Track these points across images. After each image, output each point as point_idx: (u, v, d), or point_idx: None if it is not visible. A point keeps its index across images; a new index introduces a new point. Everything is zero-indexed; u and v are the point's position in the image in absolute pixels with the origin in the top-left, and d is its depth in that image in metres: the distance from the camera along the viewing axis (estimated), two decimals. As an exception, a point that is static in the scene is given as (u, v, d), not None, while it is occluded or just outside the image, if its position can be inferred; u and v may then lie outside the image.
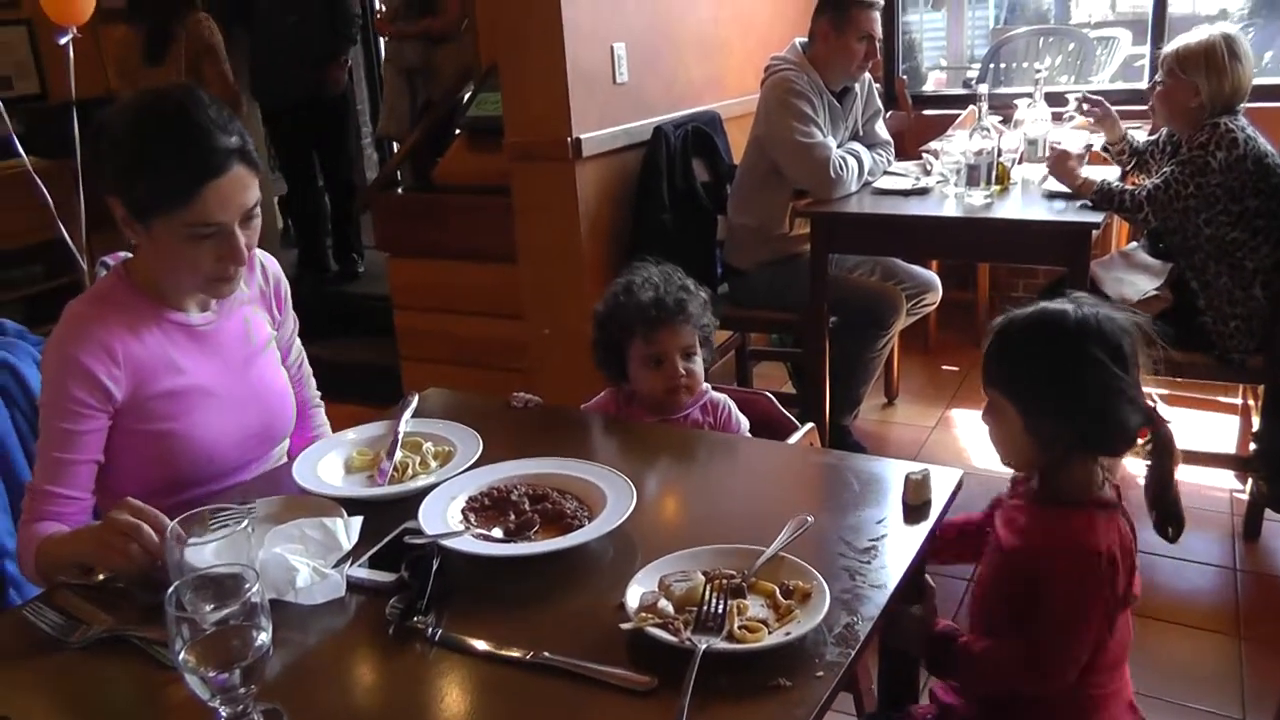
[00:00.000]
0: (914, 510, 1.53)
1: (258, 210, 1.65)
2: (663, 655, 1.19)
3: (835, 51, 3.45)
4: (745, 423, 2.07)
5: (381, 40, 5.67)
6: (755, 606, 1.28)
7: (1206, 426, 3.77)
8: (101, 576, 1.45)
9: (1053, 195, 3.19)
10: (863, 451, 3.45)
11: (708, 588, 1.28)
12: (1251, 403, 3.41)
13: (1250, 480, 3.15)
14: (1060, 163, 3.13)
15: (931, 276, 3.81)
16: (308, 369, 2.04)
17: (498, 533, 1.49)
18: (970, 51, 6.58)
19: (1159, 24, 4.46)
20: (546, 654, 1.22)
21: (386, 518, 1.53)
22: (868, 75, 3.67)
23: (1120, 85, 5.09)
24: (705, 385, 2.05)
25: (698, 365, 2.02)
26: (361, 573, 1.41)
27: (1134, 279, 3.19)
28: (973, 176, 3.18)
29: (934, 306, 3.89)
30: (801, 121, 3.38)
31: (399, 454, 1.73)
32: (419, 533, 1.45)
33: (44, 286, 5.31)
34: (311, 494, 1.61)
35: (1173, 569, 2.97)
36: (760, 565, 1.35)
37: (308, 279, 5.43)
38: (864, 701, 1.96)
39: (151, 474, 1.69)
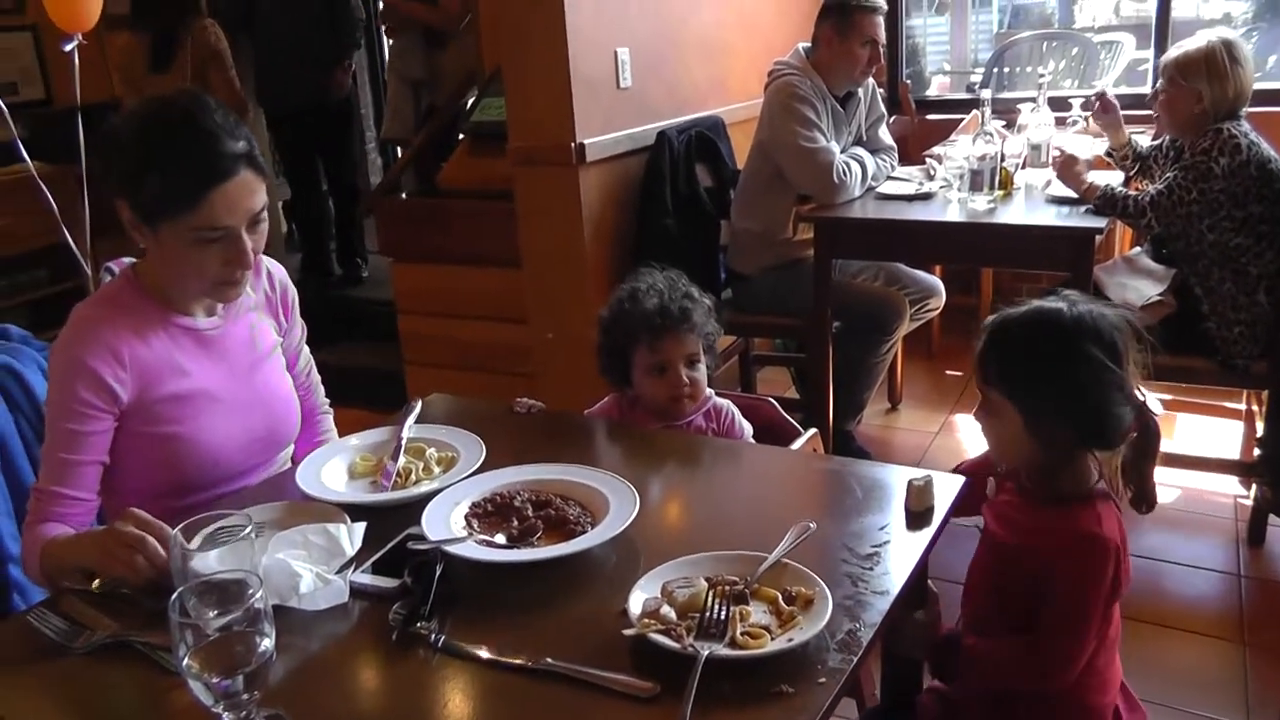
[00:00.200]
0: (917, 516, 1.53)
1: (264, 215, 1.66)
2: (665, 661, 1.19)
3: (839, 57, 3.45)
4: (748, 428, 2.07)
5: (386, 45, 5.67)
6: (758, 613, 1.28)
7: (1210, 432, 3.76)
8: (97, 584, 1.45)
9: (1056, 200, 3.19)
10: (866, 457, 3.45)
11: (710, 594, 1.28)
12: (1255, 408, 3.41)
13: (1254, 486, 3.14)
14: (1067, 167, 3.13)
15: (935, 282, 3.81)
16: (316, 377, 2.05)
17: (501, 539, 1.49)
18: (974, 56, 6.59)
19: (1162, 28, 4.46)
20: (549, 660, 1.22)
21: (390, 523, 1.53)
22: (871, 80, 3.67)
23: (1124, 90, 5.08)
24: (708, 391, 2.06)
25: (701, 373, 2.02)
26: (364, 578, 1.42)
27: (1137, 284, 3.18)
28: (976, 181, 3.18)
29: (937, 312, 3.88)
30: (805, 126, 3.38)
31: (402, 460, 1.73)
32: (422, 538, 1.45)
33: (48, 291, 5.32)
34: (315, 500, 1.61)
35: (1177, 574, 2.96)
36: (763, 571, 1.35)
37: (312, 283, 5.44)
38: (866, 706, 1.96)
39: (156, 477, 1.70)
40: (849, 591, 1.33)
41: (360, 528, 1.49)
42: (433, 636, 1.28)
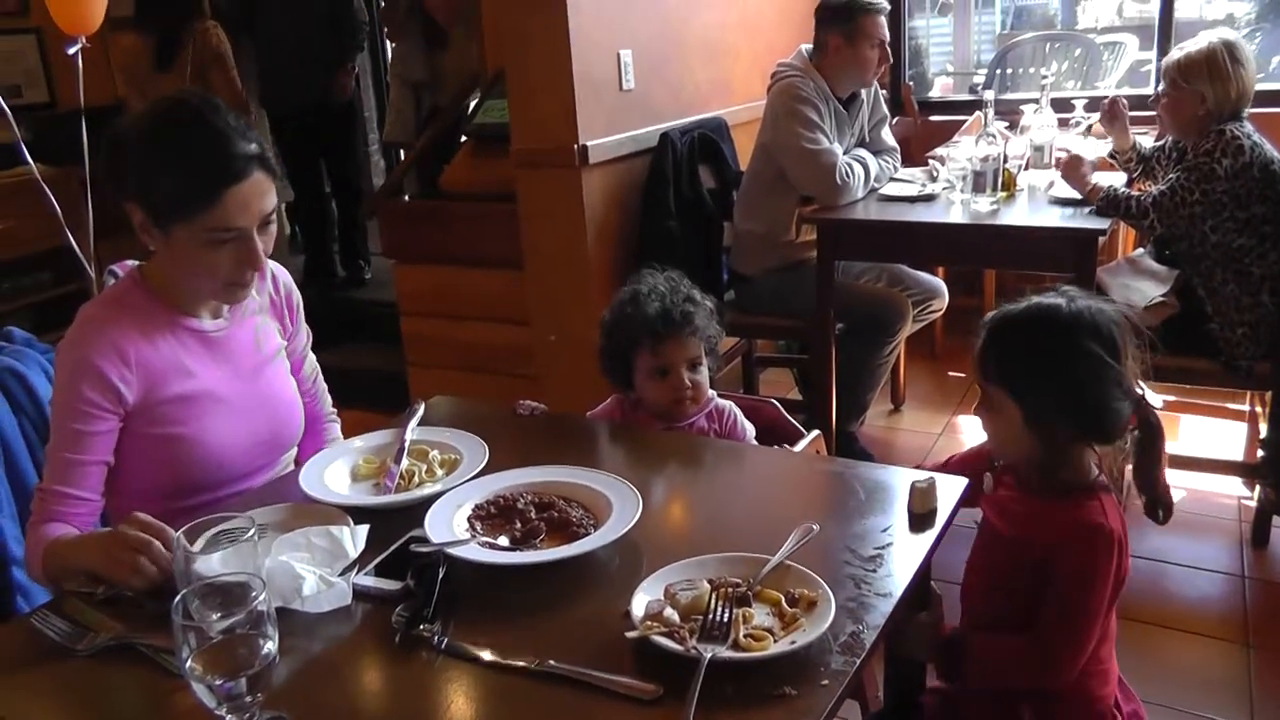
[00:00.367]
0: (920, 518, 1.53)
1: (274, 216, 1.67)
2: (668, 664, 1.19)
3: (850, 62, 3.46)
4: (751, 430, 2.08)
5: (389, 47, 5.68)
6: (761, 615, 1.28)
7: (1214, 433, 3.76)
8: (101, 590, 1.45)
9: (1059, 202, 3.19)
10: (869, 458, 3.45)
11: (713, 596, 1.28)
12: (1259, 409, 3.41)
13: (1258, 487, 3.14)
14: (1072, 168, 3.13)
15: (938, 283, 3.81)
16: (322, 385, 2.06)
17: (504, 541, 1.49)
18: (977, 57, 6.59)
19: (1165, 29, 4.46)
20: (552, 662, 1.22)
21: (392, 526, 1.53)
22: (875, 81, 3.68)
23: (1127, 90, 5.08)
24: (710, 392, 2.06)
25: (703, 375, 2.02)
26: (367, 581, 1.42)
27: (1141, 285, 3.18)
28: (979, 183, 3.18)
29: (940, 313, 3.88)
30: (808, 128, 3.38)
31: (405, 462, 1.74)
32: (425, 541, 1.45)
33: (51, 294, 5.32)
34: (318, 502, 1.61)
35: (1180, 576, 2.96)
36: (766, 574, 1.35)
37: (315, 285, 5.44)
38: (870, 708, 1.96)
39: (161, 478, 1.71)
40: (852, 593, 1.33)
41: (363, 530, 1.49)
42: (435, 639, 1.28)
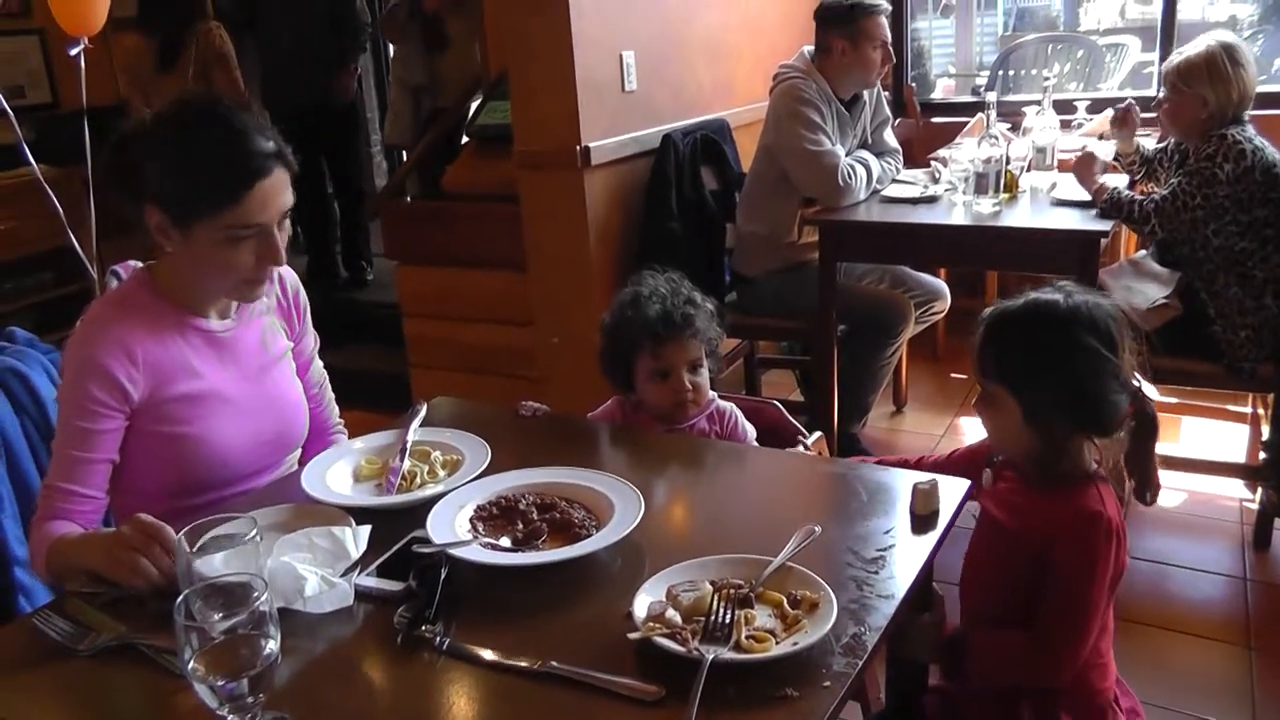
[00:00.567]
0: (922, 520, 1.53)
1: (289, 212, 1.68)
2: (670, 665, 1.19)
3: (854, 65, 3.46)
4: (752, 431, 2.07)
5: (390, 49, 5.68)
6: (763, 616, 1.28)
7: (1216, 435, 3.75)
8: (104, 591, 1.45)
9: (1061, 203, 3.19)
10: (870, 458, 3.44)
11: (715, 597, 1.28)
12: (1261, 411, 3.40)
13: (1260, 489, 3.14)
14: (1085, 164, 3.15)
15: (940, 284, 3.80)
16: (330, 394, 2.06)
17: (505, 542, 1.49)
18: (979, 59, 6.59)
19: (1168, 31, 4.46)
20: (554, 663, 1.22)
21: (394, 526, 1.53)
22: (878, 82, 3.68)
23: (1129, 92, 5.08)
24: (711, 394, 2.06)
25: (704, 378, 2.02)
26: (369, 581, 1.42)
27: (1143, 287, 3.18)
28: (981, 184, 3.18)
29: (942, 314, 3.88)
30: (810, 129, 3.38)
31: (407, 463, 1.74)
32: (427, 542, 1.45)
33: (54, 294, 5.32)
34: (320, 503, 1.61)
35: (1182, 578, 2.96)
36: (768, 575, 1.35)
37: (317, 286, 5.43)
38: (871, 709, 1.96)
39: (165, 477, 1.71)
40: (854, 595, 1.33)
41: (365, 531, 1.49)
42: (437, 639, 1.28)
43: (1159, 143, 3.41)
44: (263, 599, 1.10)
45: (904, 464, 1.85)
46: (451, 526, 1.51)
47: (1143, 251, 3.49)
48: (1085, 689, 1.63)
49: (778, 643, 1.23)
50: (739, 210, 3.72)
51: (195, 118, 1.64)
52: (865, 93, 3.65)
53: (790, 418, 2.19)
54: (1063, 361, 1.59)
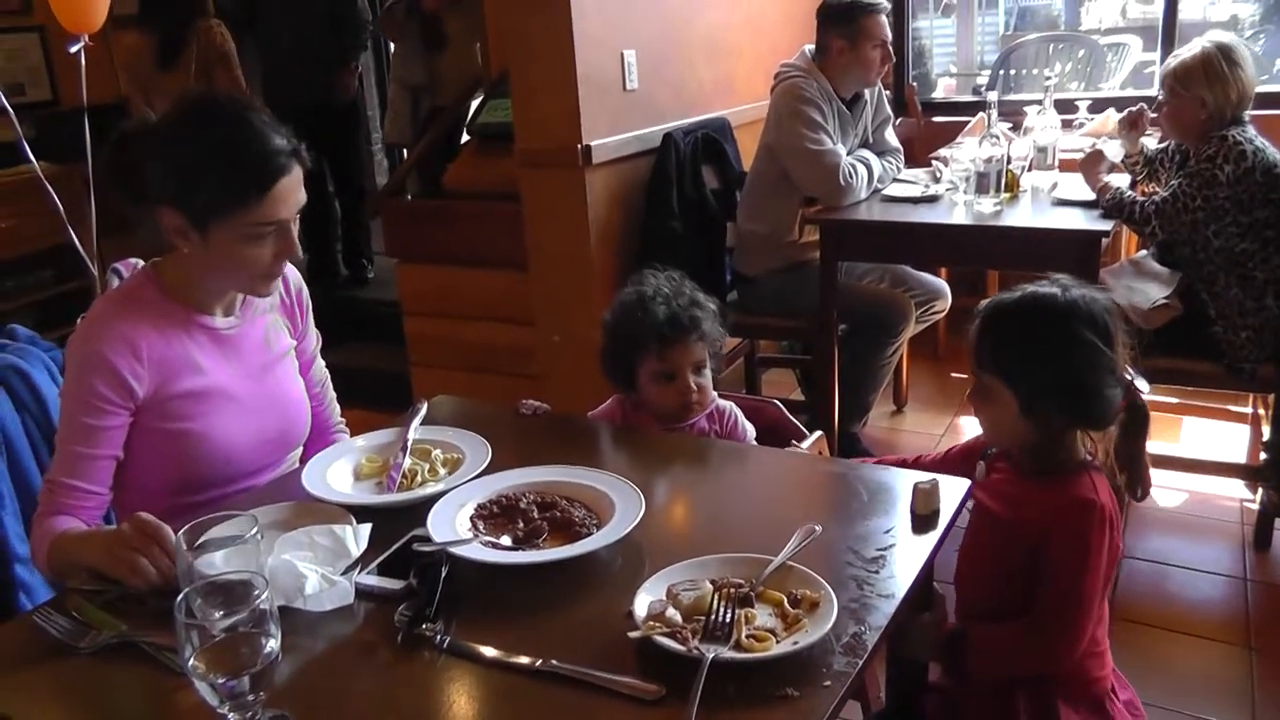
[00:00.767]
0: (922, 520, 1.53)
1: (303, 207, 1.69)
2: (670, 664, 1.19)
3: (853, 64, 3.46)
4: (751, 431, 2.07)
5: (391, 47, 5.68)
6: (763, 616, 1.28)
7: (1216, 436, 3.76)
8: (106, 589, 1.46)
9: (1062, 203, 3.19)
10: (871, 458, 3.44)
11: (715, 597, 1.28)
12: (1262, 412, 3.40)
13: (1260, 490, 3.14)
14: (1091, 162, 3.16)
15: (941, 284, 3.80)
16: (331, 393, 2.06)
17: (506, 540, 1.49)
18: (980, 58, 6.59)
19: (1169, 30, 4.45)
20: (554, 662, 1.22)
21: (395, 525, 1.53)
22: (879, 81, 3.68)
23: (1131, 92, 5.08)
24: (712, 393, 2.05)
25: (707, 379, 2.02)
26: (370, 580, 1.42)
27: (1144, 287, 3.18)
28: (982, 184, 3.18)
29: (943, 314, 3.88)
30: (811, 129, 3.38)
31: (408, 461, 1.74)
32: (428, 540, 1.46)
33: (54, 292, 5.32)
34: (321, 501, 1.61)
35: (1182, 579, 2.96)
36: (768, 574, 1.35)
37: (318, 285, 5.40)
38: (871, 709, 1.96)
39: (168, 473, 1.71)
40: (854, 594, 1.33)
41: (366, 529, 1.49)
42: (438, 638, 1.29)
43: (1160, 143, 3.41)
44: (263, 597, 1.10)
45: (902, 464, 1.85)
46: (452, 525, 1.51)
47: (1143, 251, 3.49)
48: (1082, 678, 1.64)
49: (778, 642, 1.23)
50: (740, 209, 3.72)
51: (212, 117, 1.65)
52: (866, 92, 3.65)
53: (791, 417, 2.19)
54: (1060, 355, 1.60)
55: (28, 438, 1.93)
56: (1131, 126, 3.36)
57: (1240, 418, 3.75)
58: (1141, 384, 1.66)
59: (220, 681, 1.08)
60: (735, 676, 1.18)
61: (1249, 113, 2.96)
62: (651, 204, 3.62)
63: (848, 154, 3.47)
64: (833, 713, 1.14)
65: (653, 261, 2.21)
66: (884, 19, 3.47)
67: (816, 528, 1.45)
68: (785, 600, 1.30)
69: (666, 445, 1.91)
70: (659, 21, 3.71)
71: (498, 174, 3.78)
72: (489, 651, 1.26)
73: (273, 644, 1.11)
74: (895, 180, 3.64)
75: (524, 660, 1.24)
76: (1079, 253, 2.97)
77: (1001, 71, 5.72)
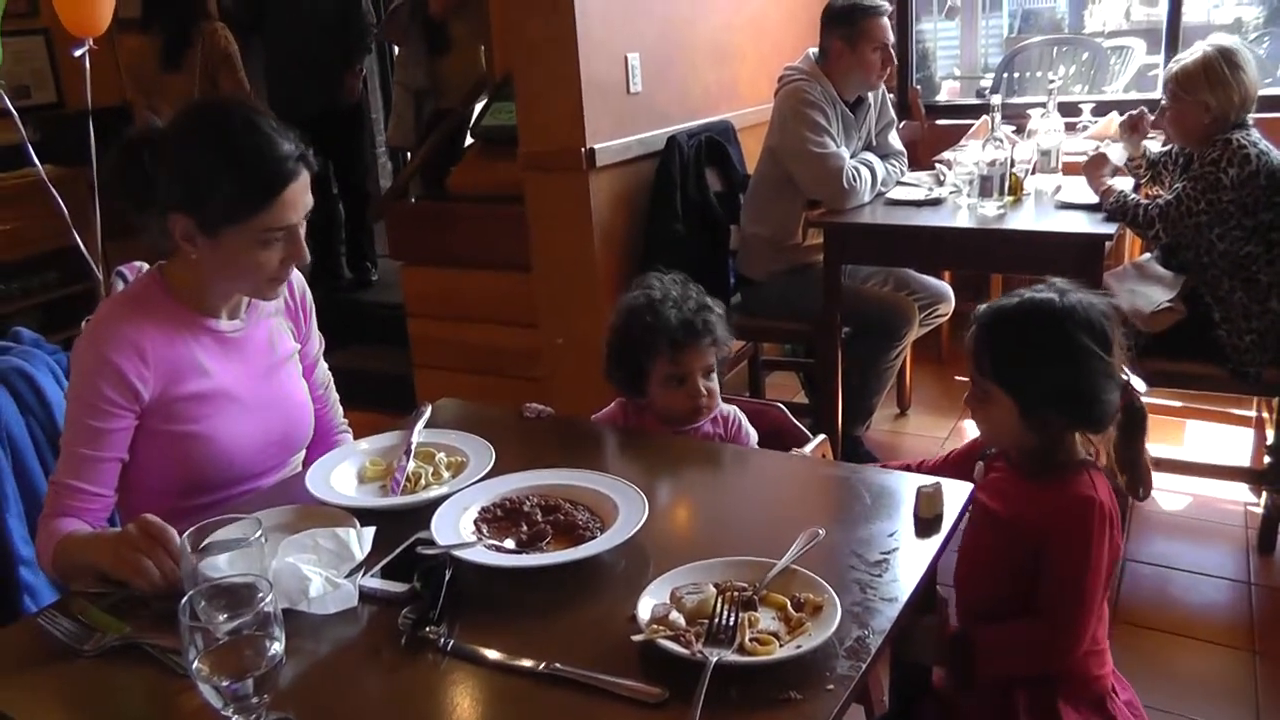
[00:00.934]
0: (926, 524, 1.53)
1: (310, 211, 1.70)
2: (674, 667, 1.19)
3: (853, 66, 3.45)
4: (754, 434, 2.07)
5: (395, 51, 5.69)
6: (766, 619, 1.28)
7: (1220, 439, 3.75)
8: (111, 591, 1.46)
9: (1066, 206, 3.19)
10: (875, 462, 3.44)
11: (719, 600, 1.28)
12: (1266, 415, 3.40)
13: (1265, 493, 3.13)
14: (1095, 165, 3.16)
15: (944, 287, 3.80)
16: (334, 395, 2.06)
17: (510, 543, 1.49)
18: (984, 61, 6.58)
19: (1173, 33, 4.45)
20: (558, 665, 1.22)
21: (399, 528, 1.53)
22: (881, 85, 3.68)
23: (1134, 95, 5.07)
24: (718, 397, 2.06)
25: (715, 382, 2.03)
26: (374, 583, 1.42)
27: (1147, 290, 3.18)
28: (986, 187, 3.18)
29: (947, 317, 3.88)
30: (815, 132, 3.38)
31: (411, 464, 1.74)
32: (431, 543, 1.46)
33: (59, 294, 5.32)
34: (324, 504, 1.61)
35: (1186, 582, 2.95)
36: (771, 578, 1.35)
37: (322, 287, 5.43)
38: (875, 712, 1.95)
39: (172, 475, 1.72)
40: (858, 598, 1.33)
41: (369, 532, 1.50)
42: (441, 640, 1.29)
43: (1163, 146, 3.41)
44: (267, 600, 1.11)
45: (905, 468, 1.85)
46: (456, 528, 1.51)
47: (1147, 255, 3.49)
48: (1083, 676, 1.64)
49: (781, 645, 1.23)
50: (743, 212, 3.72)
51: (221, 124, 1.65)
52: (870, 95, 3.65)
53: (794, 420, 2.19)
54: (1058, 360, 1.61)
55: (32, 440, 1.94)
56: (1132, 130, 3.36)
57: (1244, 421, 3.74)
58: (1138, 384, 1.67)
59: (224, 684, 1.08)
60: (738, 680, 1.18)
61: (1253, 116, 2.96)
62: (655, 207, 3.62)
63: (851, 157, 3.47)
64: (836, 716, 1.14)
65: (656, 264, 2.21)
66: (885, 22, 3.46)
67: (820, 531, 1.45)
68: (789, 604, 1.30)
69: (670, 448, 1.91)
70: (663, 24, 3.71)
71: (501, 177, 3.78)
72: (492, 654, 1.26)
73: (277, 647, 1.11)
74: (899, 183, 3.64)
75: (527, 663, 1.24)
76: (1082, 256, 2.97)
77: (1005, 74, 5.72)
